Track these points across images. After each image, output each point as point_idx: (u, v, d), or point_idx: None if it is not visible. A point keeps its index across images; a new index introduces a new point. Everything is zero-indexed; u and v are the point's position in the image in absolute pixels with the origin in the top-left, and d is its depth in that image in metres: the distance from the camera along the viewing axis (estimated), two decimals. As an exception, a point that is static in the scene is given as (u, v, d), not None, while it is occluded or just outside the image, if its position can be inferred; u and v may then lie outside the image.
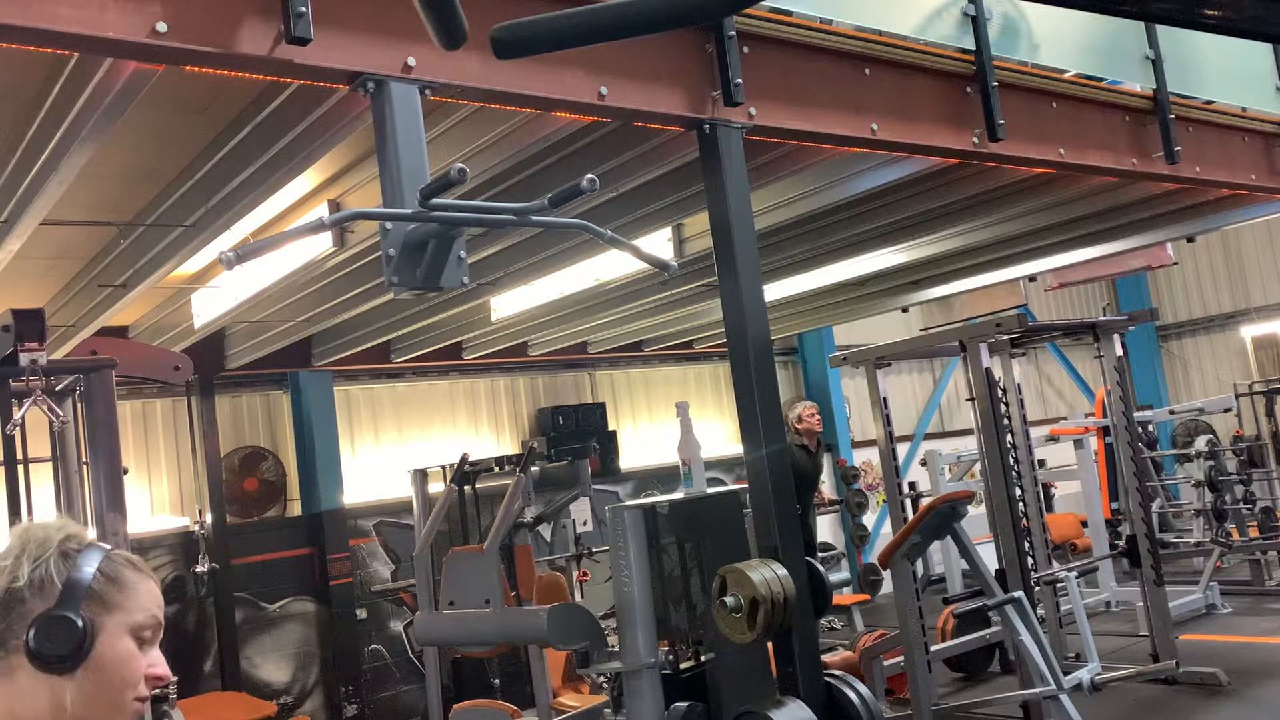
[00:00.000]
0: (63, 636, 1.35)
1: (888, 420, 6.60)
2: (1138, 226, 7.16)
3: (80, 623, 1.36)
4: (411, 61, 3.18)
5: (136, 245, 5.39)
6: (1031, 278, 9.16)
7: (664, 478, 10.34)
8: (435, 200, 2.87)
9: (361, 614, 8.85)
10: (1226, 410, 9.92)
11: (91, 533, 1.58)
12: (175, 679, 5.46)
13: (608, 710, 4.96)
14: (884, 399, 6.62)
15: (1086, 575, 8.28)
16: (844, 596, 8.76)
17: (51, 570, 1.39)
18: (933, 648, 5.92)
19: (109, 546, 1.46)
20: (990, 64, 4.68)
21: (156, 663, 1.48)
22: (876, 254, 7.15)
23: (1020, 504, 6.18)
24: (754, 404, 3.80)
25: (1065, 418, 12.63)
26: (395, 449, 9.46)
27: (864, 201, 6.03)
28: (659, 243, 6.35)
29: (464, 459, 6.95)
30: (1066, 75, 5.24)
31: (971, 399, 6.14)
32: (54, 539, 1.42)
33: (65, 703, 1.37)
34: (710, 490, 4.30)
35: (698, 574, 4.08)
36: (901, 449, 11.53)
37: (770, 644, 3.85)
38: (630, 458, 10.73)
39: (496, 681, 7.53)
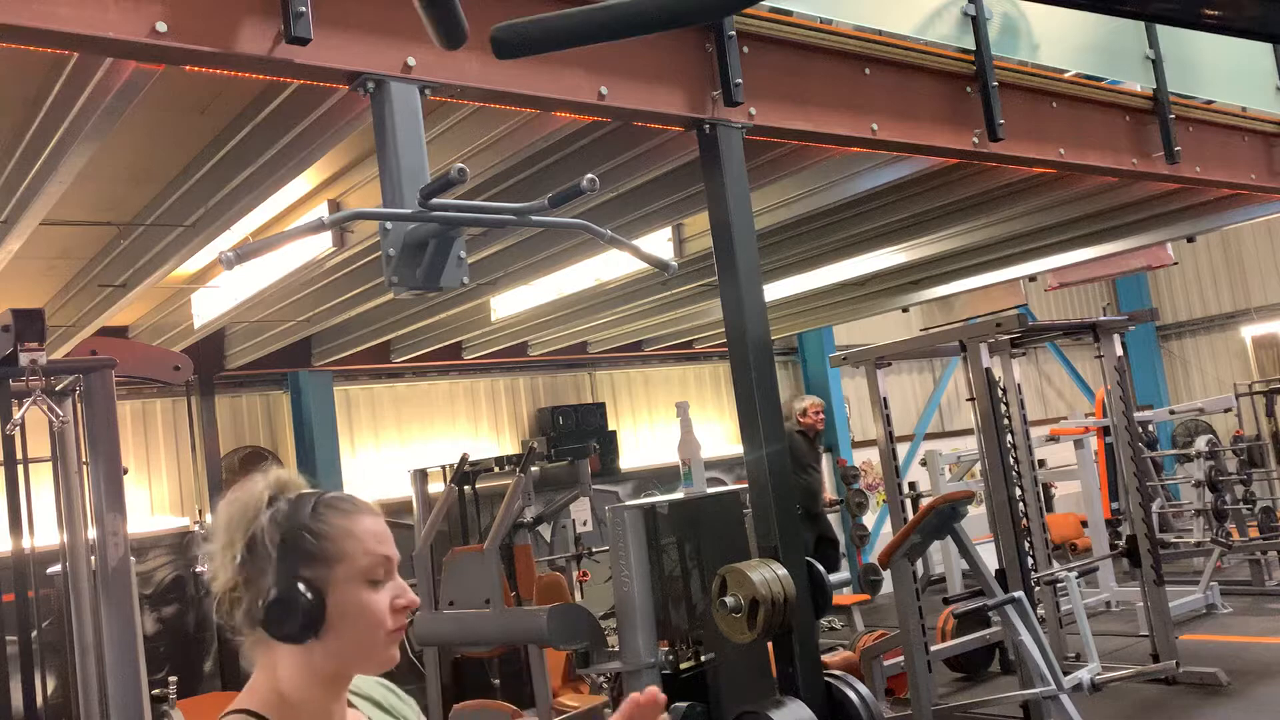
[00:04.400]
0: (293, 613, 1.36)
1: (888, 420, 6.60)
2: (1138, 226, 7.16)
3: (306, 595, 1.37)
4: (411, 61, 3.18)
5: (136, 245, 5.39)
6: (1031, 278, 9.15)
7: (664, 478, 10.33)
8: (435, 200, 2.87)
9: (361, 614, 8.84)
10: (1226, 410, 9.92)
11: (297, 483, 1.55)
12: (174, 679, 5.46)
13: (608, 710, 4.97)
14: (884, 399, 6.61)
15: (1086, 575, 8.28)
16: (844, 596, 8.75)
17: (266, 542, 1.39)
18: (933, 648, 5.92)
19: (313, 495, 1.45)
20: (990, 64, 4.68)
21: (400, 592, 1.46)
22: (876, 254, 7.15)
23: (1020, 504, 6.19)
24: (754, 404, 3.80)
25: (1065, 418, 12.62)
26: (395, 449, 9.46)
27: (864, 201, 6.03)
28: (659, 243, 6.34)
29: (464, 459, 6.95)
30: (1066, 75, 5.24)
31: (971, 399, 6.14)
32: (257, 502, 1.42)
33: (319, 663, 1.40)
34: (710, 490, 4.30)
35: (698, 574, 4.08)
36: (901, 449, 11.52)
37: (770, 644, 3.85)
38: (630, 458, 10.72)
39: (496, 681, 7.53)
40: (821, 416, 9.05)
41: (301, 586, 1.37)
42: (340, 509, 1.45)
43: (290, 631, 1.38)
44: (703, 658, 4.09)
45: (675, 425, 4.44)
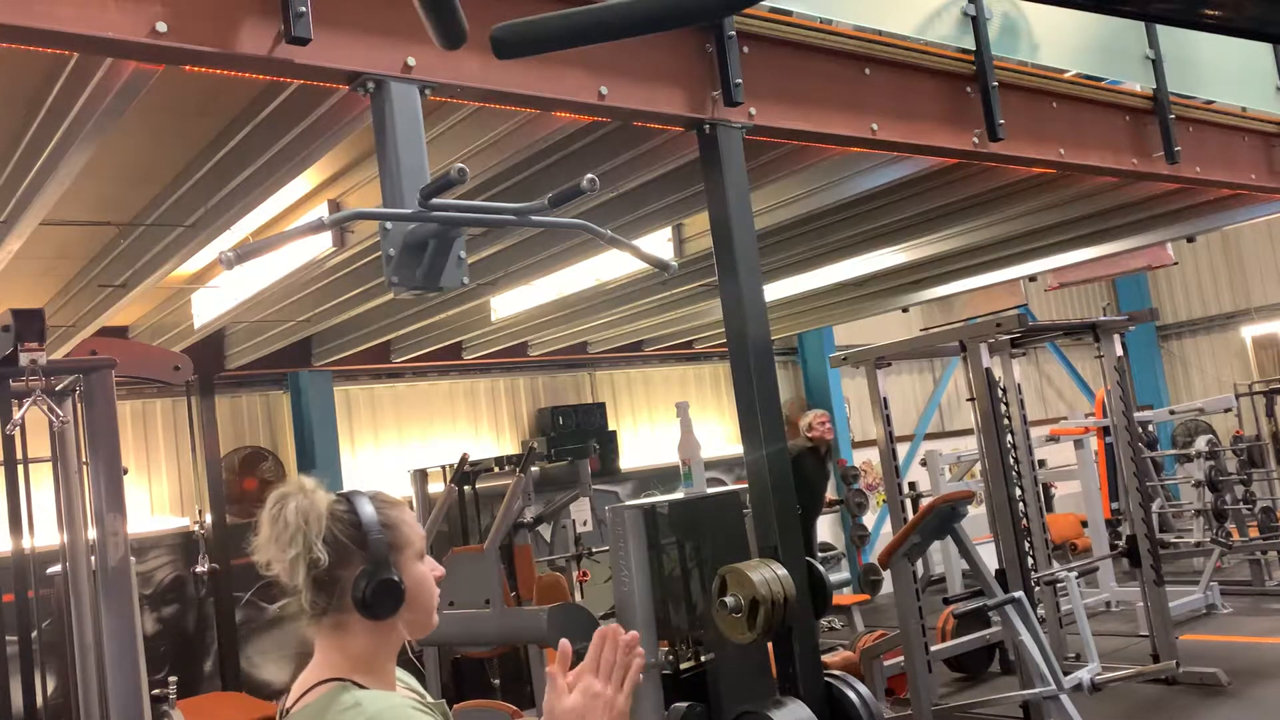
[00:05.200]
0: (392, 594, 1.59)
1: (888, 420, 6.59)
2: (1138, 226, 7.16)
3: (395, 577, 1.59)
4: (411, 61, 3.18)
5: (136, 245, 5.39)
6: (1031, 278, 9.15)
7: (664, 478, 10.33)
8: (435, 200, 2.87)
9: (361, 614, 8.84)
10: (1226, 410, 9.91)
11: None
12: (174, 679, 5.47)
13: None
14: (884, 399, 6.61)
15: (1086, 575, 8.28)
16: (844, 596, 8.75)
17: (341, 538, 1.58)
18: (933, 648, 5.92)
19: (365, 494, 1.66)
20: (990, 64, 4.68)
21: (434, 566, 1.71)
22: (876, 254, 7.15)
23: (1020, 504, 6.19)
24: (754, 404, 3.80)
25: (1065, 418, 12.62)
26: (395, 449, 9.46)
27: (864, 201, 6.03)
28: (659, 243, 6.34)
29: (464, 459, 6.96)
30: (1066, 75, 5.24)
31: (971, 399, 6.14)
32: (319, 507, 1.59)
33: (390, 632, 1.63)
34: (710, 490, 4.30)
35: (698, 574, 4.08)
36: (901, 449, 11.52)
37: (770, 644, 3.85)
38: (630, 458, 10.72)
39: (496, 681, 7.53)
40: (829, 427, 8.71)
41: (393, 571, 1.59)
42: (390, 502, 1.68)
43: (389, 610, 1.59)
44: (703, 658, 4.09)
45: (675, 425, 4.45)
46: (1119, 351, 6.71)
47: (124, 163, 4.57)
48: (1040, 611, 6.11)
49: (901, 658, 5.84)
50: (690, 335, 10.20)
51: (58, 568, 4.39)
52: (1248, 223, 7.71)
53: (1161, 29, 5.39)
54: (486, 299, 7.39)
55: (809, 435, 8.47)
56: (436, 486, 7.72)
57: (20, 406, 3.94)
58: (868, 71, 4.38)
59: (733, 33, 3.89)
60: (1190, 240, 7.65)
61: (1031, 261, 7.97)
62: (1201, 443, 9.83)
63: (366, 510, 1.60)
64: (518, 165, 4.76)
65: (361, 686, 1.58)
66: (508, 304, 7.63)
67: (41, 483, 4.24)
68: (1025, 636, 5.14)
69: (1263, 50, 6.02)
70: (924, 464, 10.22)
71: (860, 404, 12.40)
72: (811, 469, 8.45)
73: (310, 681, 1.62)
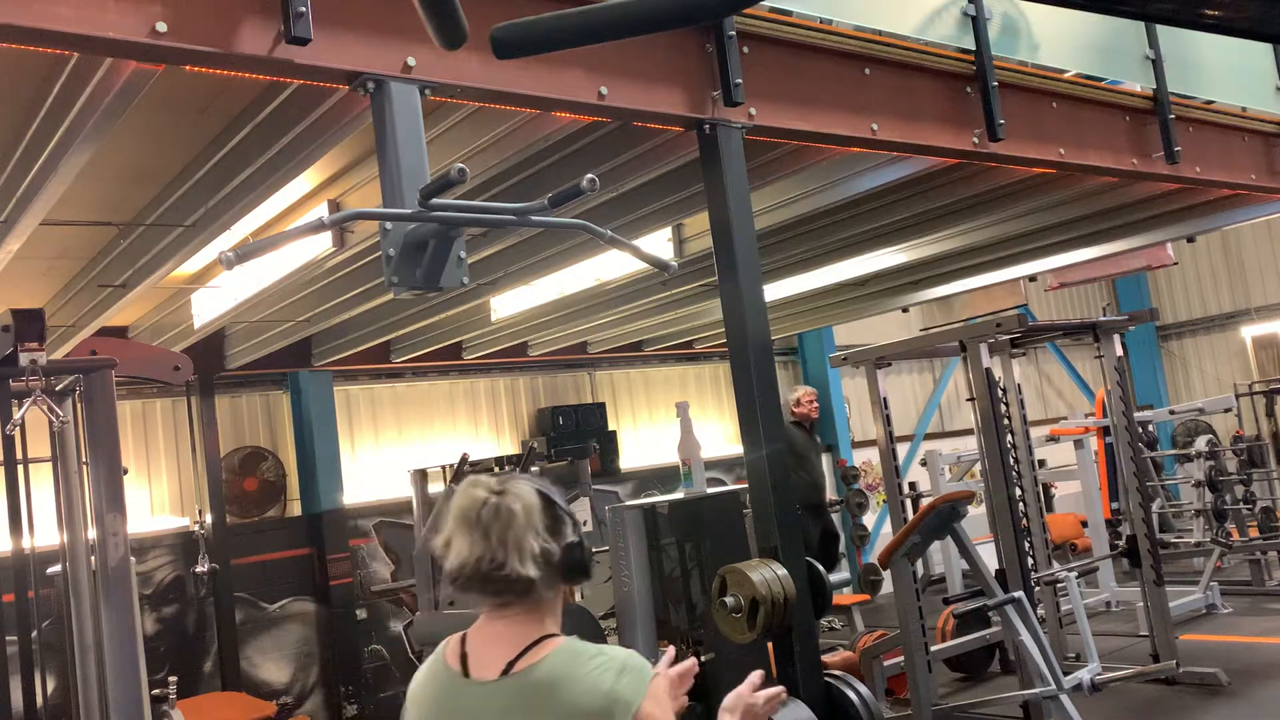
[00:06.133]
0: (590, 560, 1.96)
1: (888, 420, 6.59)
2: (1138, 226, 7.16)
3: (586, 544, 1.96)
4: (411, 61, 3.18)
5: (136, 245, 5.39)
6: (1031, 278, 9.15)
7: (664, 478, 10.33)
8: (435, 200, 2.87)
9: (361, 614, 8.84)
10: (1226, 410, 9.91)
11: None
12: (174, 679, 5.47)
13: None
14: (884, 399, 6.61)
15: (1086, 575, 8.28)
16: (844, 596, 8.75)
17: (552, 520, 1.90)
18: (933, 648, 5.92)
19: (531, 478, 1.95)
20: (990, 64, 4.68)
21: None
22: (876, 254, 7.15)
23: (1020, 504, 6.18)
24: (754, 404, 3.80)
25: (1065, 418, 12.62)
26: (395, 449, 9.46)
27: (864, 201, 6.03)
28: (659, 243, 6.34)
29: (464, 459, 6.95)
30: (1066, 75, 5.24)
31: (971, 399, 6.14)
32: (531, 498, 1.88)
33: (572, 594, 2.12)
34: (710, 490, 4.30)
35: (698, 574, 4.08)
36: (901, 449, 11.52)
37: (770, 644, 3.85)
38: (630, 458, 10.72)
39: (496, 681, 7.52)
40: (815, 405, 8.97)
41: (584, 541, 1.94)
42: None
43: (590, 573, 1.96)
44: (702, 658, 4.08)
45: (675, 425, 4.45)
46: (1119, 351, 6.71)
47: (124, 163, 4.57)
48: (1040, 611, 6.11)
49: (901, 658, 5.84)
50: (690, 335, 10.20)
51: (58, 568, 4.40)
52: (1248, 223, 7.71)
53: (1161, 29, 5.39)
54: (486, 299, 7.39)
55: (795, 410, 8.68)
56: (436, 487, 7.70)
57: (20, 406, 3.94)
58: (868, 71, 4.38)
59: (733, 33, 3.89)
60: (1190, 240, 7.65)
61: (1031, 261, 7.97)
62: (1201, 443, 9.83)
63: (557, 494, 1.93)
64: (518, 165, 4.76)
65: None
66: (508, 304, 7.62)
67: (41, 483, 4.24)
68: (1025, 636, 5.14)
69: (1263, 50, 6.02)
70: (924, 464, 10.22)
71: (860, 404, 12.40)
72: (802, 441, 8.72)
73: (529, 638, 1.85)
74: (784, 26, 4.10)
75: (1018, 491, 6.16)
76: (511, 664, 1.81)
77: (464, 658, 1.88)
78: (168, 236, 5.07)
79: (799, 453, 8.64)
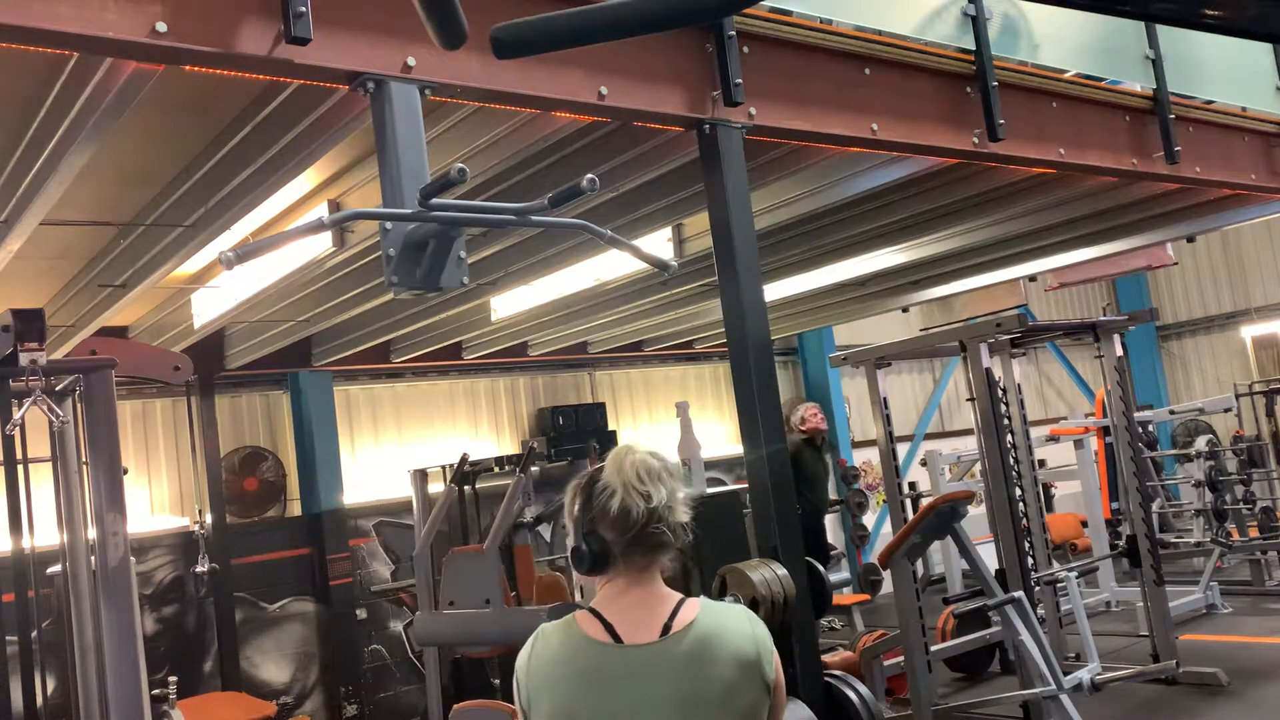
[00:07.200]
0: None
1: (888, 420, 6.60)
2: (1138, 226, 7.16)
3: None
4: (411, 61, 3.18)
5: (136, 245, 5.39)
6: (1031, 278, 9.15)
7: (664, 478, 10.31)
8: (435, 200, 2.88)
9: (361, 614, 8.85)
10: (1226, 410, 9.91)
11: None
12: (174, 679, 5.47)
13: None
14: (884, 399, 6.62)
15: (1086, 575, 8.28)
16: (844, 596, 8.75)
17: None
18: (933, 648, 5.92)
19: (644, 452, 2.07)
20: (990, 64, 4.68)
21: None
22: (876, 254, 7.15)
23: (1020, 504, 6.18)
24: (754, 404, 3.80)
25: (1065, 418, 12.63)
26: (395, 449, 9.46)
27: (864, 201, 6.03)
28: (659, 243, 6.34)
29: (464, 459, 6.95)
30: (1066, 75, 5.24)
31: (971, 399, 6.14)
32: (666, 459, 2.05)
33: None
34: (710, 490, 4.30)
35: (698, 574, 4.08)
36: (901, 449, 11.52)
37: (770, 644, 3.85)
38: (630, 458, 10.70)
39: (496, 681, 7.52)
40: (821, 417, 8.88)
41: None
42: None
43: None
44: (703, 658, 4.08)
45: (675, 425, 4.45)
46: (1119, 351, 6.71)
47: (124, 163, 4.57)
48: (1040, 611, 6.11)
49: (901, 658, 5.84)
50: (690, 335, 10.20)
51: (58, 568, 4.39)
52: (1248, 223, 7.71)
53: (1161, 29, 5.39)
54: (486, 299, 7.39)
55: (802, 429, 8.55)
56: (436, 487, 7.71)
57: (20, 406, 3.94)
58: (868, 71, 4.38)
59: (733, 33, 3.89)
60: (1190, 240, 7.65)
61: (1031, 261, 7.97)
62: (1201, 443, 9.83)
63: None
64: (518, 165, 4.76)
65: None
66: (508, 304, 7.63)
67: (41, 483, 4.24)
68: (1025, 636, 5.14)
69: (1263, 50, 6.02)
70: (924, 464, 10.22)
71: (860, 404, 12.40)
72: (811, 462, 8.54)
73: (671, 600, 2.00)
74: (784, 26, 4.10)
75: (1018, 491, 6.16)
76: (668, 625, 1.93)
77: (609, 628, 1.95)
78: (168, 236, 5.07)
79: (806, 476, 8.31)
